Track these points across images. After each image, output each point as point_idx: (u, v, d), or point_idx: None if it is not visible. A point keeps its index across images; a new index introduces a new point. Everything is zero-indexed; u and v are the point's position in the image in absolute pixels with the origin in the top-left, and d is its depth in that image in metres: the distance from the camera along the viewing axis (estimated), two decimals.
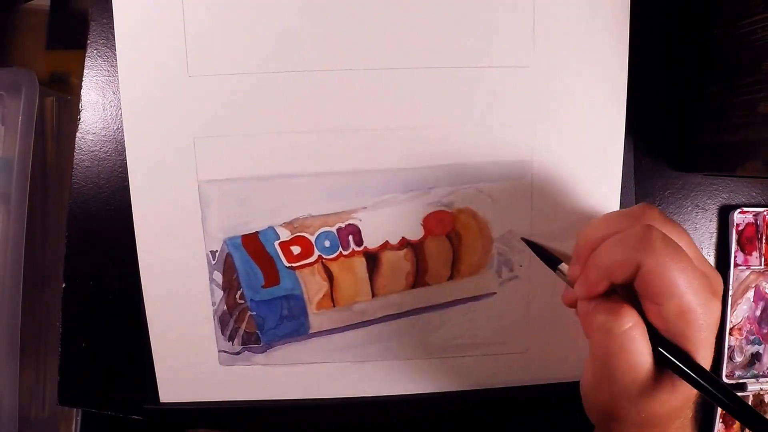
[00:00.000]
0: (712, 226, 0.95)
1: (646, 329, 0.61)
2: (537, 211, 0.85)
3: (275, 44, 0.80)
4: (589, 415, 0.70)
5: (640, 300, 0.63)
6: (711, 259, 0.95)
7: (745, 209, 0.94)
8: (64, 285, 0.89)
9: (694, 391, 0.63)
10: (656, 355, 0.61)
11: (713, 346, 0.62)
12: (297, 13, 0.80)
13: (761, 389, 0.96)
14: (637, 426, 0.64)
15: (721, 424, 0.96)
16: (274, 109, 0.81)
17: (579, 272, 0.67)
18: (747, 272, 0.95)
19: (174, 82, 0.80)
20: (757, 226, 0.95)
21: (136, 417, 0.90)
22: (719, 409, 0.95)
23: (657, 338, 0.61)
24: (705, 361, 0.61)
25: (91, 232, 0.88)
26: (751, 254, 0.95)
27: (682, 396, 0.63)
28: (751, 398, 0.96)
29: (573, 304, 0.71)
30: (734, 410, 0.60)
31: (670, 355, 0.60)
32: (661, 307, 0.60)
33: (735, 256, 0.94)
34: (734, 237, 0.94)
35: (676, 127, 0.93)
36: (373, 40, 0.81)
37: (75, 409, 1.08)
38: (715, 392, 0.59)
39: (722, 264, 0.95)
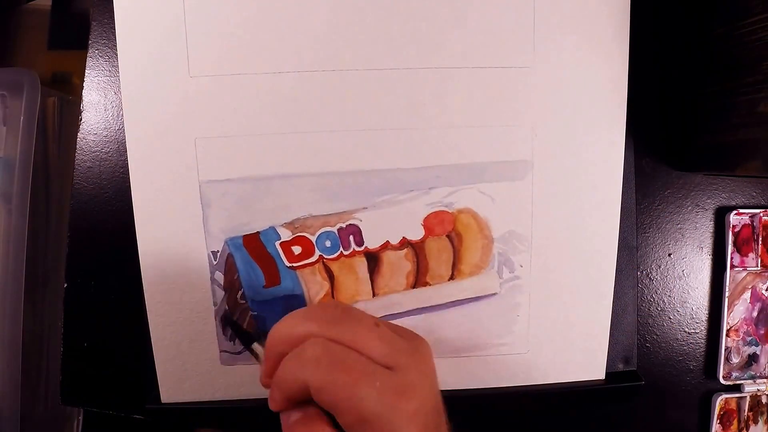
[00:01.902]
0: (713, 226, 0.95)
1: None
2: (537, 212, 0.85)
3: (276, 45, 0.80)
4: None
5: None
6: (707, 261, 0.96)
7: (741, 210, 0.94)
8: (66, 285, 0.89)
9: None
10: None
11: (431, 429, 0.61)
12: (297, 14, 0.80)
13: (758, 390, 0.96)
14: None
15: (718, 425, 0.96)
16: (275, 109, 0.81)
17: (266, 376, 0.66)
18: (743, 273, 0.96)
19: (175, 83, 0.80)
20: (753, 227, 0.95)
21: (138, 416, 0.90)
22: (716, 410, 0.96)
23: None
24: None
25: (92, 232, 0.88)
26: (747, 255, 0.95)
27: None
28: (748, 399, 0.97)
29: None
30: None
31: None
32: (342, 418, 0.59)
33: (731, 258, 0.94)
34: (730, 238, 0.94)
35: (676, 127, 0.93)
36: (374, 40, 0.81)
37: (77, 409, 1.08)
38: None
39: (719, 265, 0.96)
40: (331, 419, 0.61)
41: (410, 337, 0.68)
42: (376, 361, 0.61)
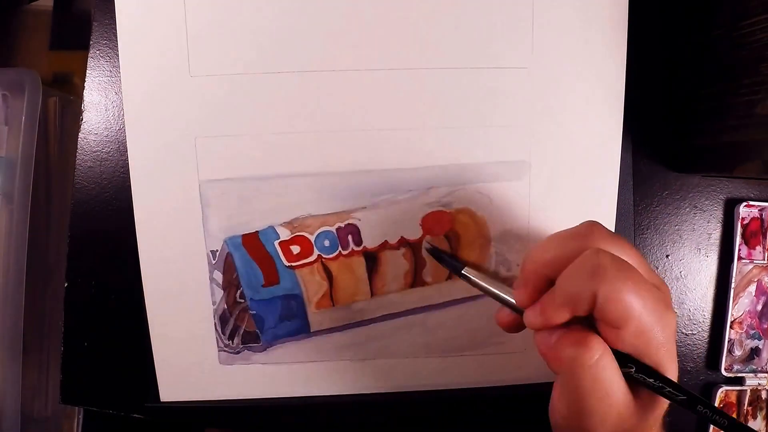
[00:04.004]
0: (711, 227, 0.95)
1: (613, 355, 0.61)
2: (535, 212, 0.85)
3: (276, 44, 0.81)
4: None
5: (596, 324, 0.63)
6: (715, 253, 0.96)
7: (752, 203, 0.94)
8: (66, 284, 0.89)
9: (665, 409, 0.64)
10: (628, 377, 0.62)
11: (676, 356, 0.62)
12: (297, 14, 0.81)
13: (759, 384, 0.96)
14: None
15: None
16: (274, 109, 0.81)
17: (527, 297, 0.67)
18: (750, 266, 0.96)
19: (175, 82, 0.81)
20: (762, 220, 0.95)
21: (137, 416, 0.91)
22: (716, 403, 0.96)
23: (631, 362, 0.61)
24: (672, 373, 0.62)
25: (93, 231, 0.89)
26: (755, 248, 0.96)
27: (654, 415, 0.64)
28: (748, 393, 0.97)
29: (509, 325, 0.72)
30: (721, 423, 0.61)
31: (647, 377, 0.61)
32: (618, 330, 0.60)
33: (739, 249, 0.95)
34: (739, 230, 0.94)
35: (674, 129, 0.93)
36: (373, 40, 0.81)
37: (77, 408, 1.08)
38: (695, 405, 0.61)
39: (726, 257, 0.96)
40: None
41: None
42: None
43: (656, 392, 0.61)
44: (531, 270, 0.67)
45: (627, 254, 0.63)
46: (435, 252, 0.84)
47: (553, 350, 0.64)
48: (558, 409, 0.66)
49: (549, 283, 0.66)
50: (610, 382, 0.60)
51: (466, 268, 0.78)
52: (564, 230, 0.67)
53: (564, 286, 0.63)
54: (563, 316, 0.63)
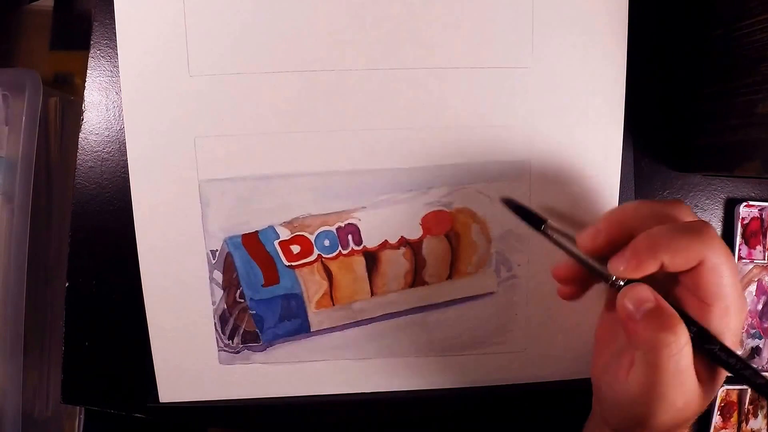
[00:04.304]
0: (722, 215, 0.95)
1: (691, 341, 0.60)
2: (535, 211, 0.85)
3: (276, 44, 0.81)
4: (609, 419, 0.69)
5: (678, 293, 0.63)
6: None
7: (752, 203, 0.94)
8: (67, 284, 0.89)
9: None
10: (707, 355, 0.61)
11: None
12: (297, 14, 0.81)
13: None
14: (663, 430, 0.64)
15: (718, 417, 0.96)
16: (274, 108, 0.81)
17: (602, 241, 0.66)
18: (750, 266, 0.96)
19: (175, 82, 0.81)
20: (762, 220, 0.95)
21: (139, 415, 0.91)
22: (717, 402, 0.96)
23: (714, 342, 0.61)
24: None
25: (94, 231, 0.89)
26: (755, 248, 0.96)
27: (707, 401, 0.64)
28: (749, 392, 0.97)
29: (569, 278, 0.71)
30: None
31: (729, 357, 0.61)
32: (708, 306, 0.60)
33: (739, 249, 0.95)
34: (739, 230, 0.95)
35: (674, 128, 0.93)
36: (373, 40, 0.81)
37: (78, 408, 1.08)
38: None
39: None
40: None
41: None
42: None
43: (735, 375, 0.61)
44: (618, 217, 0.66)
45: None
46: (511, 203, 0.79)
47: (637, 326, 0.62)
48: (625, 386, 0.64)
49: (627, 238, 0.64)
50: (687, 370, 0.60)
51: (549, 222, 0.75)
52: (649, 200, 0.67)
53: (669, 237, 0.61)
54: (653, 267, 0.61)
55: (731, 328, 0.60)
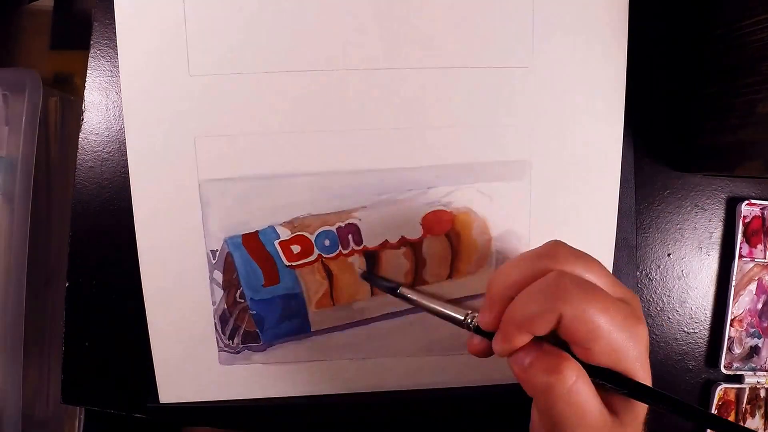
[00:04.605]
0: (712, 226, 0.96)
1: (587, 375, 0.60)
2: (535, 211, 0.85)
3: (276, 44, 0.81)
4: None
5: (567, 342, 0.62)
6: (716, 251, 0.97)
7: (753, 201, 0.95)
8: (67, 284, 0.89)
9: (643, 417, 0.63)
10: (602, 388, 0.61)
11: (649, 368, 0.62)
12: (297, 13, 0.81)
13: (758, 383, 0.96)
14: None
15: None
16: (274, 108, 0.81)
17: (492, 320, 0.66)
18: (751, 264, 0.96)
19: (175, 82, 0.81)
20: (763, 219, 0.95)
21: (139, 415, 0.91)
22: (715, 401, 0.96)
23: (605, 373, 0.61)
24: (646, 383, 0.61)
25: (94, 231, 0.89)
26: (756, 247, 0.96)
27: (632, 426, 0.63)
28: (747, 391, 0.97)
29: (482, 353, 0.71)
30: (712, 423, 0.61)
31: (619, 387, 0.60)
32: (588, 350, 0.59)
33: (740, 248, 0.95)
34: (740, 228, 0.95)
35: (675, 128, 0.94)
36: (373, 40, 0.81)
37: (79, 408, 1.08)
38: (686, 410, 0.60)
39: (727, 255, 0.97)
40: None
41: None
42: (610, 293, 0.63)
43: (633, 398, 0.61)
44: (496, 293, 0.65)
45: (593, 271, 0.63)
46: (368, 276, 0.85)
47: (526, 374, 0.62)
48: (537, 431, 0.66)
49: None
50: (585, 404, 0.60)
51: (401, 288, 0.79)
52: (528, 251, 0.66)
53: (524, 307, 0.62)
54: (524, 339, 0.62)
55: (627, 359, 0.60)
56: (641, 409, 0.63)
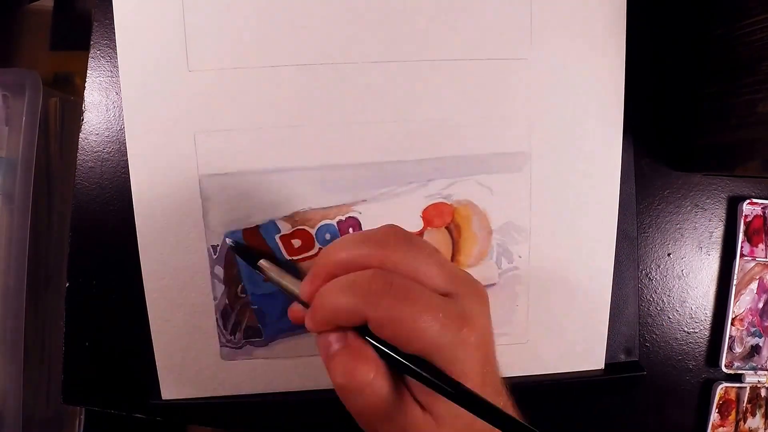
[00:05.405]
0: (712, 225, 0.96)
1: (388, 373, 0.60)
2: (535, 203, 0.85)
3: (275, 38, 0.81)
4: None
5: None
6: (716, 251, 0.97)
7: (755, 200, 0.95)
8: (67, 284, 0.89)
9: (468, 418, 0.58)
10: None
11: (481, 365, 0.60)
12: (296, 8, 0.81)
13: (758, 382, 0.97)
14: None
15: (716, 414, 0.96)
16: (274, 103, 0.81)
17: (309, 293, 0.65)
18: (752, 263, 0.96)
19: (174, 77, 0.80)
20: (765, 218, 0.96)
21: (140, 415, 0.90)
22: (716, 400, 0.96)
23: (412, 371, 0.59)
24: (482, 386, 0.60)
25: (94, 231, 0.89)
26: (757, 246, 0.96)
27: (454, 425, 0.60)
28: (747, 390, 0.97)
29: (299, 322, 0.69)
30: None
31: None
32: (404, 350, 0.58)
33: (741, 247, 0.95)
34: (742, 227, 0.95)
35: (675, 127, 0.94)
36: (372, 33, 0.81)
37: (79, 408, 1.08)
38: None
39: (728, 254, 0.97)
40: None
41: (461, 269, 0.69)
42: (436, 289, 0.61)
43: (446, 396, 0.57)
44: (321, 266, 0.64)
45: (423, 262, 0.62)
46: (236, 247, 0.84)
47: (329, 362, 0.62)
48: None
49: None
50: (382, 403, 0.60)
51: (261, 260, 0.78)
52: (362, 232, 0.65)
53: (332, 297, 0.61)
54: (328, 326, 0.62)
55: (449, 360, 0.58)
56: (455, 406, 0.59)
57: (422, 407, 0.60)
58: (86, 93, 0.88)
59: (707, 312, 0.97)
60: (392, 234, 0.64)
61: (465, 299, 0.62)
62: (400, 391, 0.60)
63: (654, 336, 0.96)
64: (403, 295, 0.58)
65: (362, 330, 0.60)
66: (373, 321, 0.58)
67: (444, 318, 0.58)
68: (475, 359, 0.59)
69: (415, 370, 0.58)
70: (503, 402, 0.65)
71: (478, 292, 0.65)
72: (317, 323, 0.63)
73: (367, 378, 0.58)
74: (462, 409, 0.57)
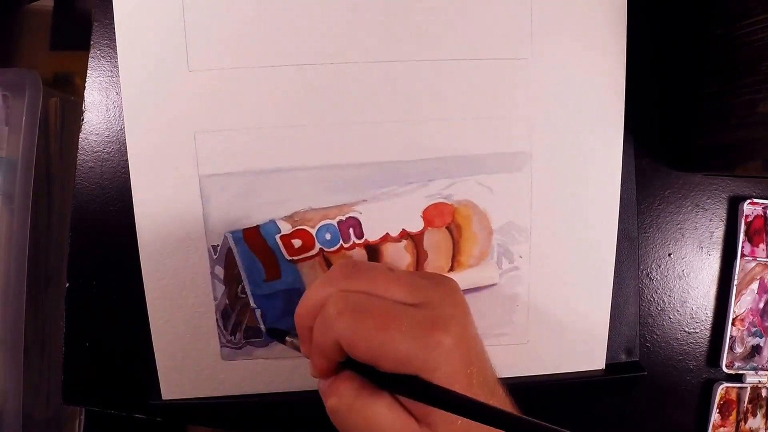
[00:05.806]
0: (713, 225, 0.96)
1: (370, 391, 0.60)
2: (536, 203, 0.85)
3: (275, 38, 0.81)
4: None
5: None
6: (717, 251, 0.97)
7: (755, 200, 0.95)
8: (67, 284, 0.89)
9: (461, 420, 0.59)
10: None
11: (471, 364, 0.60)
12: (296, 7, 0.80)
13: (759, 382, 0.96)
14: None
15: (717, 414, 0.96)
16: (274, 102, 0.81)
17: (305, 349, 0.67)
18: (753, 263, 0.96)
19: (174, 77, 0.80)
20: (765, 218, 0.95)
21: (140, 415, 0.90)
22: (716, 400, 0.96)
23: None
24: (470, 387, 0.60)
25: (94, 231, 0.89)
26: (758, 246, 0.96)
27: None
28: (748, 390, 0.97)
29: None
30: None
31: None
32: (383, 367, 0.58)
33: (742, 247, 0.95)
34: (742, 227, 0.95)
35: (675, 127, 0.94)
36: (372, 33, 0.81)
37: (79, 408, 1.08)
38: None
39: (728, 254, 0.97)
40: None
41: (432, 275, 0.70)
42: (400, 301, 0.61)
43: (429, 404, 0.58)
44: (300, 325, 0.66)
45: (379, 276, 0.63)
46: (271, 332, 0.85)
47: (323, 398, 0.65)
48: None
49: None
50: (372, 422, 0.60)
51: (287, 337, 0.77)
52: (322, 277, 0.66)
53: (314, 337, 0.63)
54: (326, 365, 0.63)
55: (425, 366, 0.57)
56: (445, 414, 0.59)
57: (418, 420, 0.60)
58: (86, 93, 0.88)
59: (708, 312, 0.97)
60: (337, 267, 0.65)
61: (435, 304, 0.62)
62: (392, 408, 0.60)
63: (655, 336, 0.96)
64: (364, 308, 0.60)
65: (348, 360, 0.62)
66: (343, 342, 0.59)
67: (410, 324, 0.58)
68: (455, 361, 0.59)
69: (393, 383, 0.59)
70: (499, 401, 0.65)
71: (450, 293, 0.65)
72: (313, 367, 0.66)
73: (348, 396, 0.61)
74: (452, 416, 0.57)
